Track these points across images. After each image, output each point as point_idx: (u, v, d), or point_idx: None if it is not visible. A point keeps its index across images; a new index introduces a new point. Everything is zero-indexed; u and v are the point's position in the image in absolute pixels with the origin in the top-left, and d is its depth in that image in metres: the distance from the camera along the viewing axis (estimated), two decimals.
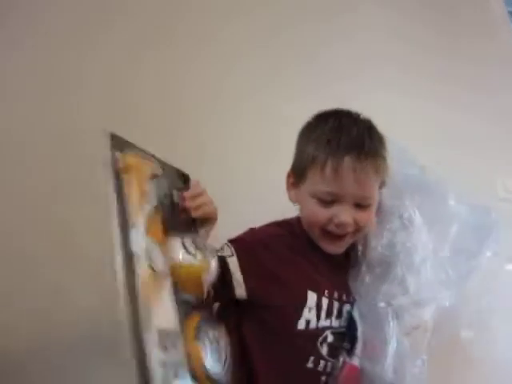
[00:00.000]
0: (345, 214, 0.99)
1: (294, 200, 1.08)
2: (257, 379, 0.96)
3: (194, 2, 1.50)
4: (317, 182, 1.00)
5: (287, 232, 1.06)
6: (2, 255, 1.17)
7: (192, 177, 0.99)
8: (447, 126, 1.63)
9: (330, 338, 1.00)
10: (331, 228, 1.01)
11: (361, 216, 1.00)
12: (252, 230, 1.06)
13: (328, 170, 0.98)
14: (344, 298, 1.04)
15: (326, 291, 1.02)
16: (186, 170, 0.99)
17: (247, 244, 1.02)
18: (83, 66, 1.33)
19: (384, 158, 1.02)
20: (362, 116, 1.06)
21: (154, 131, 1.31)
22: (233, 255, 0.98)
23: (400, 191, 1.08)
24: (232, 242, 1.01)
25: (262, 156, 1.43)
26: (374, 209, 1.03)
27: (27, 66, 1.29)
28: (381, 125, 1.12)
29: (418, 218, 1.06)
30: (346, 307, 1.04)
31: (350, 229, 1.00)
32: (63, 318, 1.18)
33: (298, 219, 1.07)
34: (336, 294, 1.03)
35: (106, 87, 1.33)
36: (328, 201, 1.00)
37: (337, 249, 1.04)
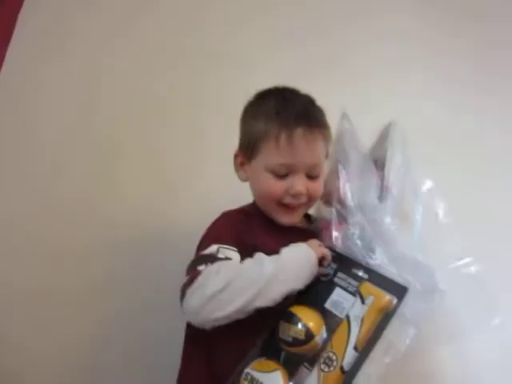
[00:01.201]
0: (300, 184, 1.02)
1: (244, 179, 1.09)
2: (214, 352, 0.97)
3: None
4: (271, 155, 1.01)
5: (244, 215, 1.06)
6: None
7: None
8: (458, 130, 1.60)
9: None
10: (287, 200, 1.03)
11: (313, 186, 1.03)
12: (216, 223, 1.05)
13: (282, 141, 1.00)
14: None
15: None
16: None
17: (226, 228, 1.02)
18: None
19: (329, 128, 1.06)
20: (301, 92, 1.08)
21: None
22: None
23: None
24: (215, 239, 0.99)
25: None
26: (322, 179, 1.05)
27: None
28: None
29: None
30: None
31: (304, 199, 1.03)
32: None
33: (248, 204, 1.10)
34: None
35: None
36: (282, 173, 1.02)
37: (293, 219, 1.06)
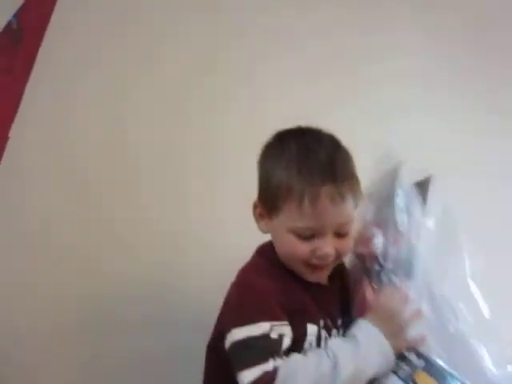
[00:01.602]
0: (327, 246, 0.94)
1: (265, 231, 1.02)
2: None
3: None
4: (294, 218, 0.94)
5: (276, 273, 0.99)
6: None
7: None
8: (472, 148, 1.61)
9: None
10: (314, 261, 0.96)
11: (342, 244, 0.96)
12: (256, 288, 0.96)
13: (306, 205, 0.92)
14: (330, 323, 1.00)
15: (322, 321, 0.98)
16: None
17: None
18: None
19: (357, 178, 0.97)
20: (324, 133, 1.00)
21: None
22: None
23: None
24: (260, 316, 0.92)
25: None
26: (352, 232, 0.98)
27: None
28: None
29: None
30: (334, 332, 1.00)
31: (332, 258, 0.96)
32: None
33: (272, 256, 1.01)
34: (329, 322, 0.99)
35: None
36: (307, 235, 0.94)
37: (320, 278, 1.00)
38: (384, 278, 0.97)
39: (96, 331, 1.29)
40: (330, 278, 1.02)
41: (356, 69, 1.56)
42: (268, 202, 0.98)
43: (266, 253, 1.02)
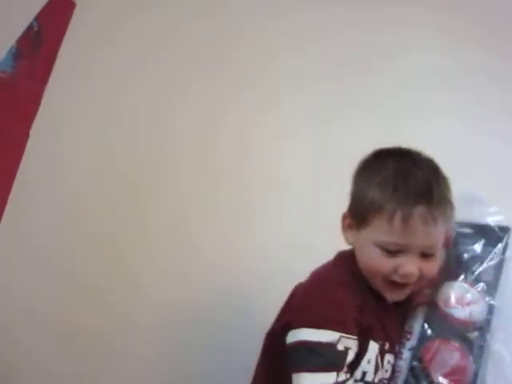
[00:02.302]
0: (411, 265, 0.94)
1: (350, 242, 1.02)
2: None
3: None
4: (383, 232, 0.94)
5: (357, 287, 0.98)
6: None
7: None
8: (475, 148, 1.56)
9: None
10: (395, 278, 0.96)
11: (426, 266, 0.96)
12: (337, 297, 0.96)
13: (397, 221, 0.92)
14: (388, 348, 0.99)
15: (387, 343, 0.98)
16: None
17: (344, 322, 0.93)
18: None
19: (452, 204, 0.97)
20: (423, 156, 1.00)
21: None
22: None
23: None
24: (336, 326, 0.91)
25: None
26: (438, 258, 0.98)
27: None
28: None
29: None
30: (389, 357, 1.00)
31: (415, 278, 0.96)
32: None
33: (353, 260, 1.01)
34: (386, 345, 0.99)
35: None
36: (393, 250, 0.95)
37: (399, 297, 1.00)
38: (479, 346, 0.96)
39: None
40: (401, 302, 1.02)
41: (368, 67, 1.55)
42: (358, 215, 0.98)
43: (347, 262, 1.02)
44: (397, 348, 1.00)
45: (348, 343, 0.90)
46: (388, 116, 1.52)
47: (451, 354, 0.96)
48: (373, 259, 0.96)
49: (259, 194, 1.45)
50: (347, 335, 0.90)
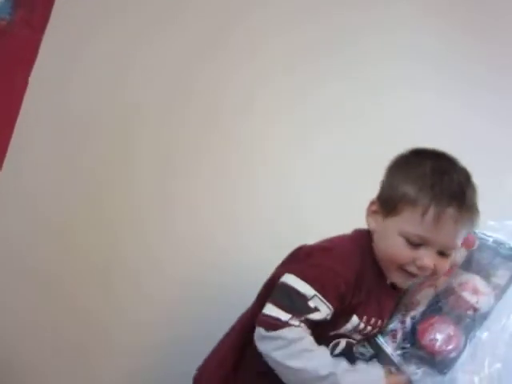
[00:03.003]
0: (429, 259, 1.00)
1: (373, 228, 1.07)
2: None
3: None
4: (412, 224, 0.99)
5: (360, 266, 1.04)
6: None
7: None
8: (459, 125, 1.65)
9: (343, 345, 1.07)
10: (411, 269, 1.02)
11: (440, 263, 1.02)
12: (334, 265, 1.02)
13: (429, 216, 0.98)
14: (379, 323, 1.07)
15: (372, 319, 1.05)
16: None
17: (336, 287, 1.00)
18: None
19: (479, 212, 1.03)
20: (459, 163, 1.05)
21: None
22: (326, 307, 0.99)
23: None
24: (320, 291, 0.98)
25: None
26: (452, 257, 1.05)
27: None
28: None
29: None
30: (375, 331, 1.08)
31: (428, 272, 1.02)
32: None
33: (368, 239, 1.07)
34: (374, 321, 1.06)
35: None
36: (416, 243, 1.00)
37: (406, 285, 1.08)
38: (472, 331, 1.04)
39: None
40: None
41: (354, 44, 1.59)
42: (389, 204, 1.03)
43: (362, 239, 1.08)
44: (381, 323, 1.08)
45: (320, 305, 0.98)
46: (375, 90, 1.58)
47: (444, 329, 1.06)
48: (394, 247, 1.02)
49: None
50: (324, 299, 0.98)
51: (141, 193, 1.41)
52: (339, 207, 1.49)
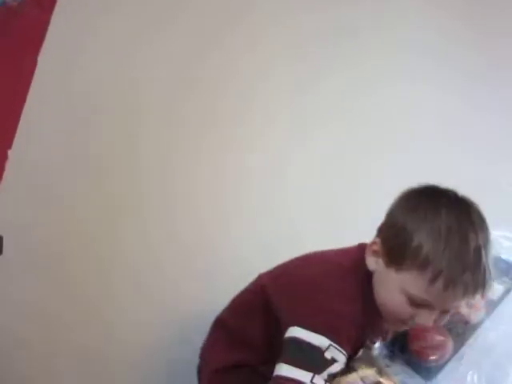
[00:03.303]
0: (429, 319, 0.95)
1: (373, 269, 0.99)
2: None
3: None
4: (418, 287, 0.91)
5: (362, 293, 0.98)
6: None
7: None
8: (459, 120, 1.70)
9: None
10: (409, 322, 0.97)
11: (440, 319, 0.98)
12: (342, 307, 0.95)
13: (439, 284, 0.90)
14: (380, 338, 1.09)
15: (375, 339, 1.07)
16: None
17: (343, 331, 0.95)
18: None
19: (492, 281, 0.95)
20: (479, 214, 0.95)
21: None
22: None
23: None
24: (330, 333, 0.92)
25: None
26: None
27: None
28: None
29: None
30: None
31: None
32: None
33: (366, 284, 0.99)
34: (376, 339, 1.08)
35: None
36: (417, 303, 0.93)
37: (399, 330, 1.06)
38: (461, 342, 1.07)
39: None
40: None
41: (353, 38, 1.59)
42: (395, 254, 0.94)
43: (362, 272, 0.99)
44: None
45: (337, 355, 0.91)
46: (374, 84, 1.60)
47: (435, 337, 1.09)
48: (393, 302, 0.95)
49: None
50: (338, 347, 0.91)
51: (143, 183, 1.43)
52: (339, 207, 1.54)
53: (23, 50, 1.32)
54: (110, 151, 1.39)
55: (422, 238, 0.91)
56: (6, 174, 1.26)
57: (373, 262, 0.99)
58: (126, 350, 1.42)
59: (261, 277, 1.13)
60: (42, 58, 1.33)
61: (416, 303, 0.93)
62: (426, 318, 0.95)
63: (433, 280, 0.90)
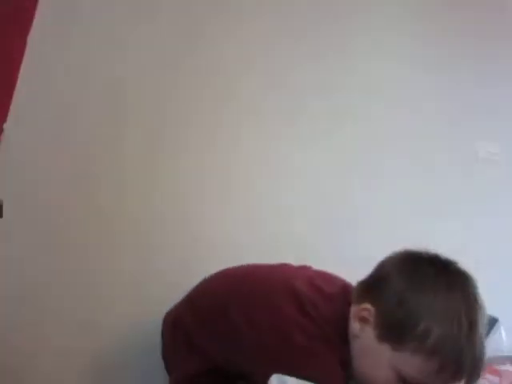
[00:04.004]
0: None
1: (356, 334, 0.91)
2: None
3: None
4: (417, 370, 0.86)
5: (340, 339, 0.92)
6: None
7: None
8: (431, 90, 1.78)
9: None
10: None
11: None
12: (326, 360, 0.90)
13: (443, 375, 0.86)
14: None
15: None
16: None
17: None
18: None
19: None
20: (480, 298, 0.91)
21: None
22: None
23: None
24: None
25: None
26: None
27: None
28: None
29: None
30: None
31: None
32: None
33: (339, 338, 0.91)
34: None
35: None
36: (406, 381, 0.87)
37: None
38: None
39: None
40: None
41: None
42: (396, 334, 0.87)
43: (342, 328, 0.92)
44: None
45: None
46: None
47: None
48: (381, 379, 0.88)
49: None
50: None
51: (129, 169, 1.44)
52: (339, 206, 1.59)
53: (13, 32, 1.29)
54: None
55: (433, 321, 0.86)
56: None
57: (357, 329, 0.91)
58: (124, 323, 1.43)
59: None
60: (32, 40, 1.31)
61: (402, 380, 0.88)
62: None
63: (439, 371, 0.85)
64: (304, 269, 1.06)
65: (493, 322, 1.29)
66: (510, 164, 1.86)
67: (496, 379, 1.15)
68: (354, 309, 0.92)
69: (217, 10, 1.49)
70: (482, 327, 0.88)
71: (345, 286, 0.99)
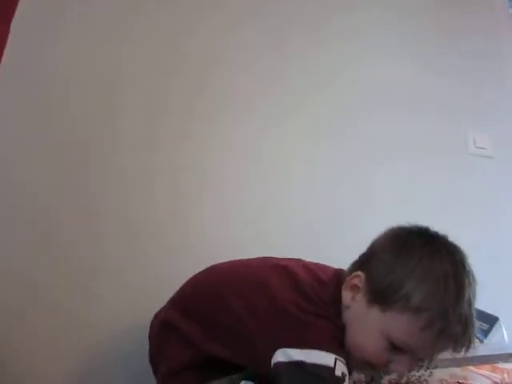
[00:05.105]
0: (405, 367, 0.91)
1: (347, 304, 0.93)
2: None
3: None
4: (406, 333, 0.86)
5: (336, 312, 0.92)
6: None
7: None
8: (420, 86, 1.80)
9: None
10: (380, 367, 0.92)
11: (413, 365, 0.93)
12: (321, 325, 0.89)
13: (430, 333, 0.85)
14: None
15: None
16: None
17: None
18: None
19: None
20: (469, 266, 0.92)
21: None
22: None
23: None
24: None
25: None
26: None
27: None
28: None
29: None
30: None
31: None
32: None
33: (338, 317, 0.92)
34: None
35: None
36: (397, 347, 0.88)
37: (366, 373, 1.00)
38: None
39: None
40: None
41: None
42: (383, 296, 0.89)
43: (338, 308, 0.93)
44: None
45: (343, 368, 0.84)
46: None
47: None
48: (370, 344, 0.88)
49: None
50: (341, 359, 0.84)
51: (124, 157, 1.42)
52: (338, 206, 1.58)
53: None
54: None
55: (418, 282, 0.87)
56: None
57: (348, 297, 0.93)
58: (113, 315, 1.41)
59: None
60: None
61: (395, 346, 0.88)
62: (402, 365, 0.90)
63: (425, 328, 0.86)
64: (297, 259, 1.07)
65: (494, 320, 1.27)
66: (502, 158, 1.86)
67: (498, 377, 1.14)
68: (346, 280, 0.94)
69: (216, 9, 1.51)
70: (470, 291, 0.88)
71: (337, 271, 1.01)
